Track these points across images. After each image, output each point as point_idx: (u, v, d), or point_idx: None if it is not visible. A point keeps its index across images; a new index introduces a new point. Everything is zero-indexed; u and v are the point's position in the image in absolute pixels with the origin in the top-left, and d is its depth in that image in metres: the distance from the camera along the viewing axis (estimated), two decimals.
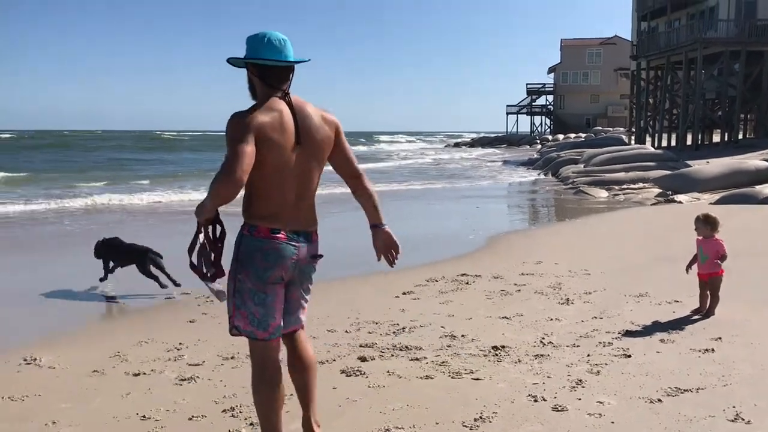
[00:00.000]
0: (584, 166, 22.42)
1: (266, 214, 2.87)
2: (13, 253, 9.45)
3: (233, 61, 2.96)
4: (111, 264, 7.09)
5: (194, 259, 2.96)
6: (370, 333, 5.28)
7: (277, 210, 2.87)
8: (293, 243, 2.89)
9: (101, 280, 7.01)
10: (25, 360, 4.73)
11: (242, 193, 2.84)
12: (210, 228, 2.97)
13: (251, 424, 3.62)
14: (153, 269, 6.87)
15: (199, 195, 17.58)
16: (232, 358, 4.74)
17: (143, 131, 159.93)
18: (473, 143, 68.52)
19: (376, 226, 3.09)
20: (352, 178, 3.10)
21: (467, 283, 7.05)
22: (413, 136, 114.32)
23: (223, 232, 3.00)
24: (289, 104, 2.87)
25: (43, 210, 14.81)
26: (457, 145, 69.48)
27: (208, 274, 2.97)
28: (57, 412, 3.83)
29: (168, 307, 6.28)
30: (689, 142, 31.35)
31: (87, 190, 19.19)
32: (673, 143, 33.66)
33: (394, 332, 5.27)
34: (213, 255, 2.97)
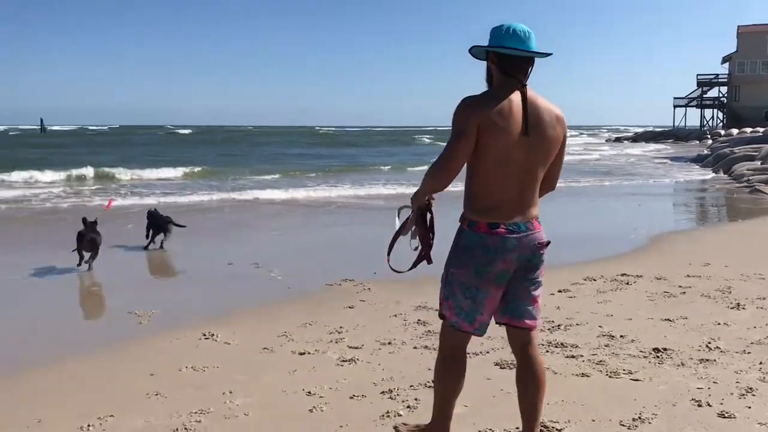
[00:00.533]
0: (761, 163, 20.70)
1: (486, 208, 2.85)
2: (202, 236, 10.30)
3: (474, 51, 2.96)
4: (151, 231, 8.96)
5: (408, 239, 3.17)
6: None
7: (497, 204, 2.84)
8: (514, 235, 2.83)
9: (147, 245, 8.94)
10: (204, 335, 5.20)
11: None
12: (422, 216, 3.09)
13: (408, 407, 3.77)
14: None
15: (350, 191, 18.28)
16: (389, 343, 4.93)
17: (303, 127, 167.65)
18: (636, 138, 65.21)
19: None
20: (548, 186, 3.05)
21: (627, 283, 6.81)
22: (576, 129, 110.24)
23: (432, 220, 3.09)
24: (524, 95, 2.82)
25: (230, 199, 15.95)
26: (618, 140, 66.37)
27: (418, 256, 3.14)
28: (233, 383, 4.19)
29: (330, 293, 6.61)
30: None
31: (269, 182, 20.49)
32: None
33: (549, 329, 5.23)
34: (423, 242, 3.11)
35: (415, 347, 4.86)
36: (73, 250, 7.54)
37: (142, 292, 6.76)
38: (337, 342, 5.00)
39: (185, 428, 3.53)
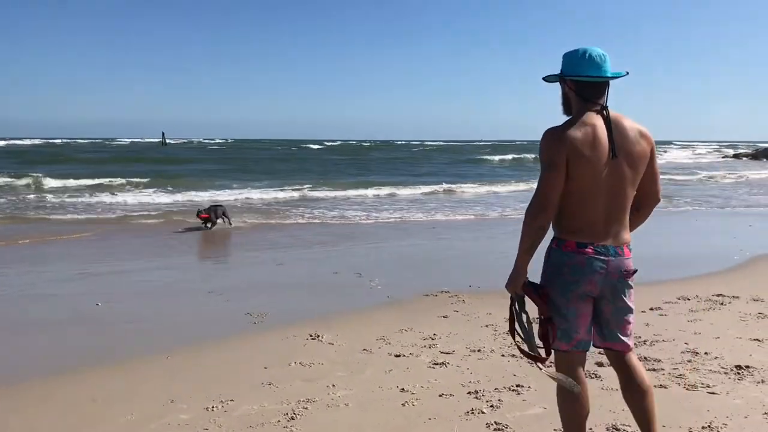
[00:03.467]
0: None
1: (574, 229, 2.90)
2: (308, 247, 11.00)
3: (549, 79, 3.02)
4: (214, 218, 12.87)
5: (520, 340, 3.03)
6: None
7: (586, 225, 2.88)
8: (602, 257, 2.87)
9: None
10: (311, 336, 5.76)
11: None
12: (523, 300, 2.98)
13: (491, 406, 4.14)
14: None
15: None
16: (478, 350, 5.31)
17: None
18: (757, 155, 61.75)
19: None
20: (651, 200, 3.06)
21: (722, 303, 6.85)
22: (678, 143, 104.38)
23: (544, 291, 2.96)
24: (606, 118, 2.86)
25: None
26: (737, 156, 62.97)
27: (538, 356, 2.97)
28: (335, 378, 4.71)
29: (426, 303, 7.04)
30: None
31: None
32: None
33: (635, 344, 5.43)
34: (535, 329, 2.98)
35: (502, 355, 5.21)
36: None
37: (257, 296, 7.44)
38: (430, 347, 5.43)
39: (294, 413, 4.06)
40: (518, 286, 2.93)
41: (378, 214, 16.21)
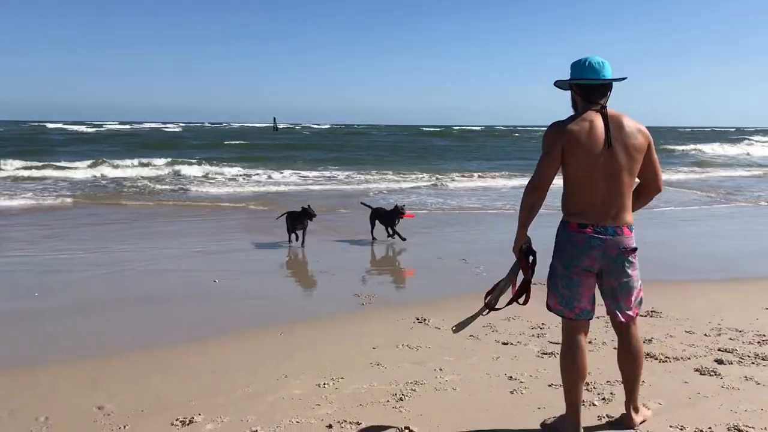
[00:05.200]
0: None
1: (576, 212, 3.37)
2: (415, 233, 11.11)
3: (559, 84, 3.50)
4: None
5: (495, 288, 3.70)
6: (731, 339, 5.24)
7: (586, 207, 3.33)
8: (600, 236, 3.31)
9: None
10: (417, 319, 5.81)
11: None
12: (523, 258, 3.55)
13: (603, 399, 4.06)
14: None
15: None
16: (590, 342, 5.17)
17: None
18: None
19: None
20: (651, 189, 3.49)
21: None
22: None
23: (534, 261, 3.55)
24: (604, 115, 3.31)
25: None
26: None
27: (490, 303, 3.70)
28: (443, 362, 4.74)
29: (534, 292, 6.92)
30: None
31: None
32: None
33: (758, 342, 5.15)
34: (525, 272, 3.56)
35: (614, 348, 5.06)
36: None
37: (364, 278, 7.58)
38: (538, 336, 5.36)
39: (402, 394, 4.13)
40: (515, 251, 3.52)
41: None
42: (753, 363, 4.66)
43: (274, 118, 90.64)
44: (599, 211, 3.32)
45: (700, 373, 4.48)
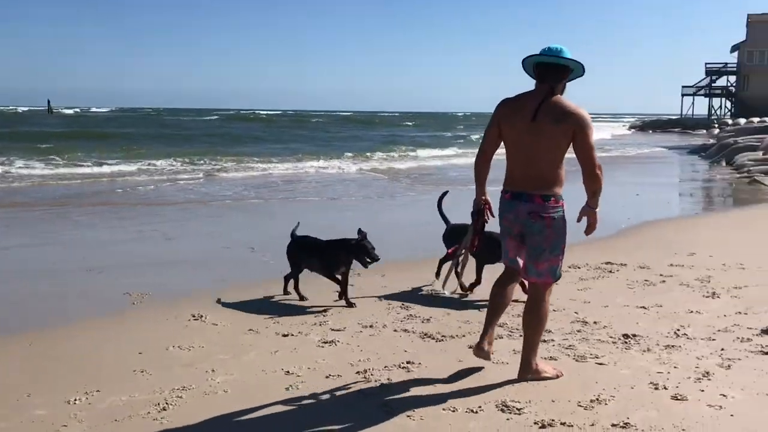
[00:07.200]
0: (762, 154, 20.69)
1: (505, 179, 3.86)
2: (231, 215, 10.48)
3: (524, 65, 3.81)
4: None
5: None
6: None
7: (509, 175, 3.83)
8: (515, 201, 3.76)
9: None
10: (193, 316, 5.38)
11: None
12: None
13: (381, 385, 3.96)
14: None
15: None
16: (370, 326, 5.12)
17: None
18: (643, 126, 64.60)
19: (587, 205, 3.84)
20: (586, 171, 3.72)
21: (610, 271, 6.97)
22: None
23: (481, 212, 4.03)
24: (547, 94, 3.63)
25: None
26: (642, 128, 64.39)
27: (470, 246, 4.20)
28: (216, 362, 4.39)
29: (319, 279, 6.79)
30: None
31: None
32: None
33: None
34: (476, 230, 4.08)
35: (395, 330, 5.05)
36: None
37: (137, 274, 6.94)
38: (320, 324, 5.20)
39: (166, 403, 3.73)
40: (475, 208, 4.02)
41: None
42: (521, 336, 4.79)
43: (48, 101, 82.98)
44: (518, 180, 3.75)
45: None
